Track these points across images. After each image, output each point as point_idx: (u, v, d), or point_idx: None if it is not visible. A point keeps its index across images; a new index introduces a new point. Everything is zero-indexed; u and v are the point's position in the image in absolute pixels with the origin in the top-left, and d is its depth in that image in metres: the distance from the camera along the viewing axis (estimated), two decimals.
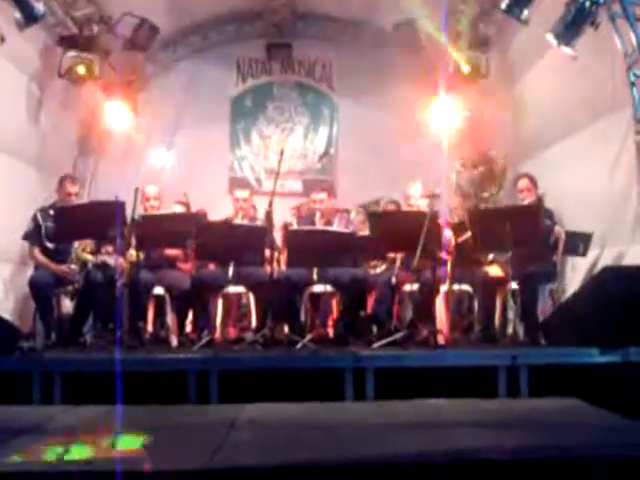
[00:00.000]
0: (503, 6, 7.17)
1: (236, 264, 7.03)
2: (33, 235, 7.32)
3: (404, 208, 8.04)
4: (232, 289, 7.41)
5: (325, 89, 11.11)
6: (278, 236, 7.76)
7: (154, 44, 9.52)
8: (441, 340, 6.68)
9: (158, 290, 7.41)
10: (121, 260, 7.04)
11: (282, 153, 7.66)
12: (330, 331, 7.55)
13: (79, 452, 3.84)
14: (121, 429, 4.29)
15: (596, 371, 5.60)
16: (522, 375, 5.68)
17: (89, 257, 7.33)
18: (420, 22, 9.05)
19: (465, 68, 8.83)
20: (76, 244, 7.26)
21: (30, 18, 6.96)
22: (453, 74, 8.96)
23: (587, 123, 7.66)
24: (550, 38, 6.74)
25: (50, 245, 7.27)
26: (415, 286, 7.33)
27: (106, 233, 6.66)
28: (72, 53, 8.42)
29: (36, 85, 8.60)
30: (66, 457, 3.74)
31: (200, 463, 3.61)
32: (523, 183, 7.63)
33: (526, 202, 7.50)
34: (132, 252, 7.03)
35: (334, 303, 7.57)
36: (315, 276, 7.26)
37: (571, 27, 6.57)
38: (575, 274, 7.81)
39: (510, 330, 7.38)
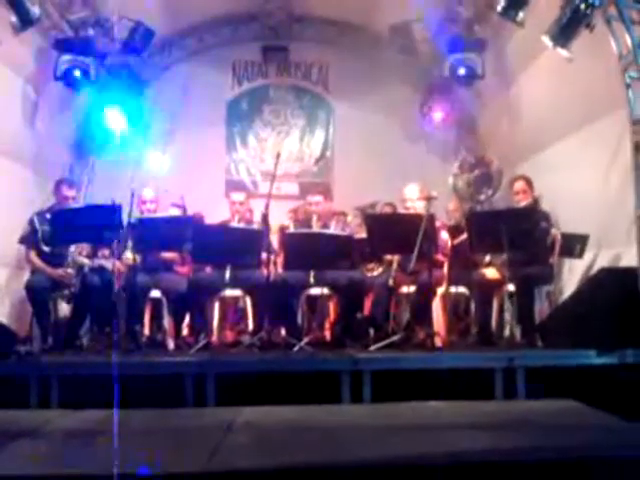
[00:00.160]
0: (499, 8, 7.17)
1: (233, 267, 7.04)
2: (29, 239, 7.32)
3: (400, 211, 8.05)
4: (229, 292, 7.41)
5: (321, 92, 11.09)
6: (275, 239, 7.77)
7: (150, 47, 9.51)
8: (438, 342, 6.70)
9: (155, 293, 7.41)
10: (118, 263, 7.03)
11: (278, 156, 7.66)
12: (327, 334, 7.55)
13: None
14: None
15: (593, 373, 5.61)
16: (519, 377, 5.68)
17: (85, 261, 7.33)
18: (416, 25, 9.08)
19: (461, 71, 8.83)
20: (72, 248, 7.25)
21: (26, 21, 6.95)
22: (449, 76, 8.97)
23: (583, 125, 7.68)
24: (546, 40, 6.74)
25: (46, 249, 7.27)
26: (412, 288, 7.34)
27: (103, 237, 6.66)
28: (68, 56, 8.40)
29: (32, 88, 8.59)
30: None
31: (197, 466, 3.61)
32: (519, 185, 7.64)
33: (522, 204, 7.50)
34: (129, 255, 7.03)
35: (331, 306, 7.58)
36: (312, 279, 7.26)
37: (566, 29, 6.58)
38: (572, 276, 7.82)
39: (507, 332, 7.38)
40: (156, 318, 7.52)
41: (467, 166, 10.10)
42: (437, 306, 7.24)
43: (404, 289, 7.45)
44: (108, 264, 7.30)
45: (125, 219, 6.71)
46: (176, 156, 10.25)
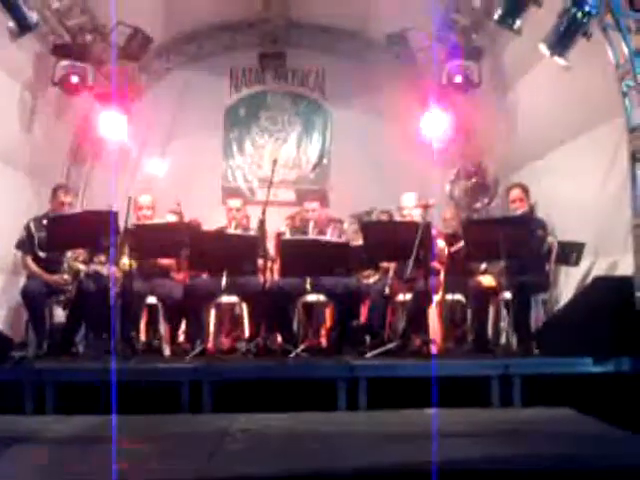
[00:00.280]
0: (496, 17, 7.18)
1: (229, 274, 7.03)
2: (26, 244, 7.30)
3: (397, 218, 8.05)
4: (225, 299, 7.40)
5: (318, 98, 11.12)
6: (271, 246, 7.76)
7: (148, 53, 9.53)
8: (434, 350, 6.69)
9: (151, 299, 7.39)
10: (114, 269, 7.02)
11: (275, 163, 7.70)
12: (323, 341, 7.56)
13: None
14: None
15: (589, 381, 5.61)
16: (515, 385, 5.69)
17: (82, 267, 7.31)
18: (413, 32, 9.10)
19: (458, 78, 8.85)
20: (69, 253, 7.24)
21: (24, 27, 6.95)
22: (446, 84, 8.98)
23: (579, 133, 7.69)
24: (543, 48, 6.76)
25: (43, 254, 7.25)
26: (408, 296, 7.33)
27: (99, 243, 6.66)
28: (65, 62, 8.41)
29: (29, 94, 8.59)
30: None
31: (193, 473, 3.60)
32: (515, 193, 7.63)
33: (518, 212, 7.50)
34: (125, 261, 7.02)
35: (327, 313, 7.58)
36: (308, 286, 7.28)
37: (563, 38, 6.60)
38: (568, 284, 7.82)
39: (503, 340, 7.40)
40: (152, 324, 7.51)
41: (464, 174, 10.14)
42: (433, 314, 7.24)
43: (400, 296, 7.45)
44: (104, 270, 7.29)
45: (122, 225, 6.70)
46: (173, 162, 10.27)
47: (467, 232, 7.09)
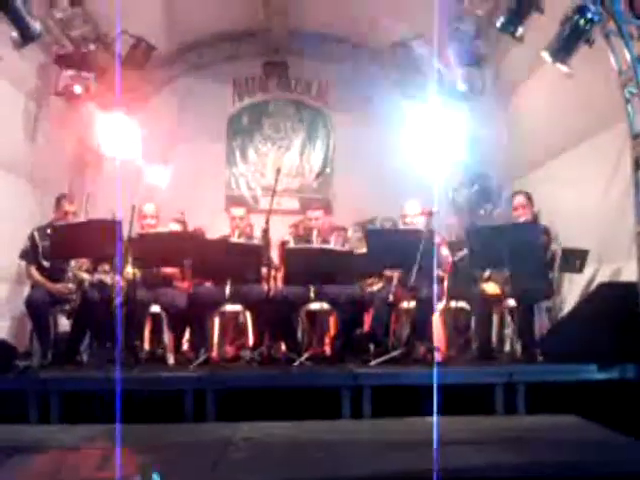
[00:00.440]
0: (498, 24, 7.18)
1: (233, 282, 7.04)
2: (30, 254, 7.31)
3: (400, 226, 8.05)
4: (229, 307, 7.40)
5: (321, 107, 11.16)
6: (275, 254, 7.77)
7: (151, 62, 9.55)
8: (438, 357, 6.68)
9: (155, 308, 7.39)
10: (118, 278, 7.03)
11: (279, 172, 7.68)
12: (327, 349, 7.53)
13: None
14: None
15: (593, 388, 5.60)
16: (519, 392, 5.69)
17: (85, 276, 7.31)
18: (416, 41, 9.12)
19: (460, 86, 8.86)
20: (73, 263, 7.25)
21: (27, 37, 6.95)
22: (448, 92, 8.99)
23: (582, 139, 7.69)
24: (545, 55, 6.76)
25: (47, 264, 7.26)
26: (412, 304, 7.31)
27: (103, 252, 6.67)
28: (69, 72, 8.43)
29: (33, 103, 8.62)
30: None
31: None
32: (519, 200, 7.63)
33: (522, 219, 7.50)
34: (129, 270, 7.03)
35: (331, 321, 7.56)
36: (312, 294, 7.27)
37: (566, 45, 6.59)
38: (572, 291, 7.81)
39: (507, 347, 7.38)
40: (156, 333, 7.50)
41: (467, 181, 10.14)
42: (437, 321, 7.23)
43: (404, 304, 7.43)
44: (108, 279, 7.30)
45: (125, 234, 6.71)
46: (176, 171, 10.26)
47: (470, 239, 7.09)
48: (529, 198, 7.62)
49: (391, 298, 7.15)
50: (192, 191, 9.95)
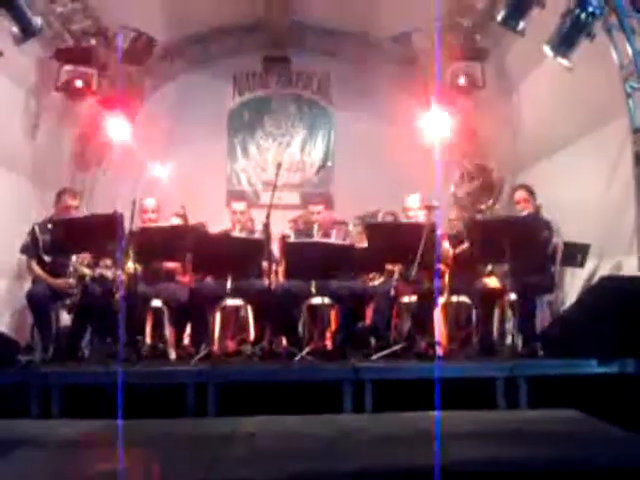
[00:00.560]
0: (499, 18, 7.17)
1: (234, 277, 7.03)
2: (30, 249, 7.31)
3: (402, 220, 8.05)
4: (230, 302, 7.38)
5: (322, 102, 11.13)
6: (276, 248, 7.76)
7: (151, 57, 9.54)
8: (439, 352, 6.68)
9: (156, 303, 7.38)
10: (119, 273, 7.03)
11: (279, 166, 7.66)
12: (328, 343, 7.53)
13: None
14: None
15: (594, 382, 5.60)
16: (520, 386, 5.69)
17: (87, 270, 7.31)
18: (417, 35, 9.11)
19: (461, 80, 8.86)
20: (74, 257, 7.24)
21: (28, 32, 6.95)
22: (450, 86, 8.98)
23: (584, 134, 7.68)
24: (546, 49, 6.76)
25: (48, 259, 7.26)
26: (413, 298, 7.32)
27: (104, 246, 6.67)
28: (69, 67, 8.42)
29: (33, 99, 8.59)
30: None
31: (197, 476, 3.60)
32: (520, 194, 7.62)
33: (524, 213, 7.49)
34: (130, 265, 7.03)
35: (332, 315, 7.56)
36: (313, 288, 7.26)
37: (567, 39, 6.59)
38: (573, 285, 7.81)
39: (508, 341, 7.37)
40: (157, 328, 7.49)
41: (468, 175, 10.12)
42: (438, 315, 7.22)
43: (405, 298, 7.44)
44: (109, 274, 7.30)
45: (127, 228, 6.71)
46: (177, 165, 10.25)
47: (472, 233, 7.08)
48: (531, 192, 7.61)
49: (392, 292, 7.16)
50: (193, 186, 9.93)
